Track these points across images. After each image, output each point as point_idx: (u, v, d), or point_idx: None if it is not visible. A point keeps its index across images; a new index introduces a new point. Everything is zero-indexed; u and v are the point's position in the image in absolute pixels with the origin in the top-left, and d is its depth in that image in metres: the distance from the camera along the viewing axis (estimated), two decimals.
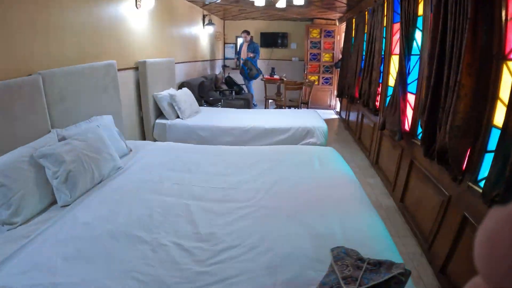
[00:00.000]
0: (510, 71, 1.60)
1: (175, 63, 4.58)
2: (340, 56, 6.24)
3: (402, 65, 2.80)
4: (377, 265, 1.24)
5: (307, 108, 5.88)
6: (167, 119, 3.84)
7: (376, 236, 1.70)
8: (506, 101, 1.53)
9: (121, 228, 1.67)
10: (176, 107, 3.88)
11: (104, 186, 2.12)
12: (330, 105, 7.62)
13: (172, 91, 4.03)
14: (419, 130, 2.66)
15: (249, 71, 6.48)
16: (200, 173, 2.39)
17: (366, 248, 1.39)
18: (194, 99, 4.38)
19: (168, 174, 2.35)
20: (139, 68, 3.63)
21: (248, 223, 1.77)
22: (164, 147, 2.96)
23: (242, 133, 3.71)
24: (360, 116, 4.65)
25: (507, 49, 1.60)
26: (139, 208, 1.88)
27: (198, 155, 2.78)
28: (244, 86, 6.74)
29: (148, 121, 3.82)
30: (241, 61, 6.81)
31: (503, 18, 1.59)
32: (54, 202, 1.94)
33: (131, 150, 2.81)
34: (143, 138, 3.88)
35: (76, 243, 1.54)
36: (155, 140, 3.61)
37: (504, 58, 1.61)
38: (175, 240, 1.60)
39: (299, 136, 3.75)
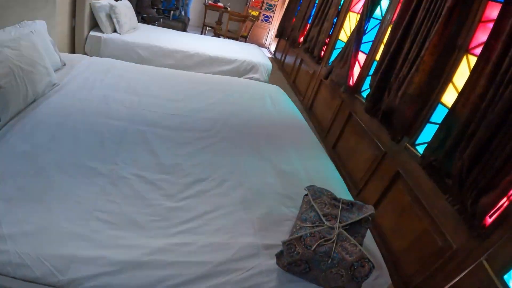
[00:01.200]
0: (469, 64, 1.72)
1: None
2: None
3: (362, 24, 2.73)
4: (350, 205, 1.30)
5: (245, 42, 5.63)
6: (102, 32, 3.15)
7: (332, 178, 1.77)
8: (458, 86, 1.72)
9: (69, 159, 1.35)
10: (115, 20, 3.19)
11: (38, 106, 1.65)
12: (265, 44, 7.45)
13: (112, 1, 3.27)
14: (364, 87, 2.80)
15: None
16: (149, 97, 2.07)
17: (329, 188, 1.40)
18: (134, 13, 3.64)
19: (113, 95, 1.96)
20: None
21: (213, 155, 1.64)
22: (104, 63, 2.44)
23: (185, 58, 3.33)
24: (298, 61, 4.53)
25: (472, 45, 1.71)
26: (87, 133, 1.54)
27: (143, 76, 2.39)
28: (181, 8, 6.06)
29: (80, 33, 3.07)
30: None
31: (478, 18, 1.68)
32: None
33: (64, 64, 2.23)
34: (73, 51, 3.12)
35: (16, 179, 1.19)
36: (85, 55, 3.00)
37: (466, 51, 1.73)
38: (137, 171, 1.38)
39: (243, 70, 3.55)
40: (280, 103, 2.59)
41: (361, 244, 1.16)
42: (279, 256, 1.13)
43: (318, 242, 1.10)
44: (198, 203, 1.31)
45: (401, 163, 1.97)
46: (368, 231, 1.42)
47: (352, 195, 2.52)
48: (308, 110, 3.91)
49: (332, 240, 1.12)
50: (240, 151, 1.76)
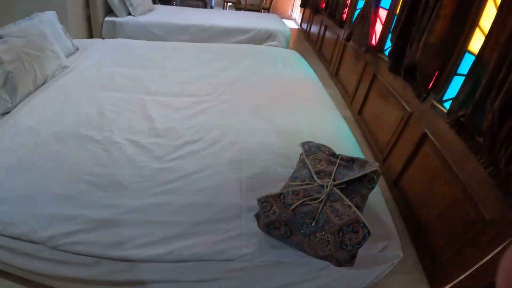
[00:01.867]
0: (495, 3, 1.39)
1: None
2: None
3: None
4: (350, 161, 1.11)
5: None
6: (117, 16, 3.18)
7: (342, 137, 1.58)
8: (486, 30, 1.39)
9: (68, 129, 1.37)
10: (128, 3, 3.20)
11: (48, 87, 1.70)
12: (291, 16, 6.99)
13: None
14: (387, 45, 2.46)
15: None
16: (155, 68, 2.04)
17: (334, 147, 1.24)
18: None
19: (120, 70, 1.95)
20: None
21: (209, 117, 1.56)
22: (115, 44, 2.45)
23: (199, 32, 3.25)
24: (323, 28, 4.25)
25: None
26: (88, 106, 1.55)
27: (153, 51, 2.36)
28: None
29: (96, 19, 3.13)
30: None
31: None
32: None
33: (77, 49, 2.28)
34: (91, 37, 3.18)
35: (19, 151, 1.23)
36: (100, 39, 3.05)
37: None
38: (129, 137, 1.36)
39: (260, 39, 3.39)
40: (293, 65, 2.39)
41: (360, 207, 0.97)
42: (257, 217, 1.00)
43: (301, 201, 0.93)
44: (186, 164, 1.23)
45: (428, 123, 1.70)
46: (380, 194, 1.24)
47: (378, 162, 2.33)
48: (334, 76, 3.69)
49: (320, 199, 0.94)
50: (240, 113, 1.64)
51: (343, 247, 0.88)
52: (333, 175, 1.03)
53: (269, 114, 1.65)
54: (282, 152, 1.36)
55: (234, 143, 1.38)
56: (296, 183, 1.03)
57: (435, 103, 1.70)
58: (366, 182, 1.04)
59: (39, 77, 1.70)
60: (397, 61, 2.06)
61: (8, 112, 1.51)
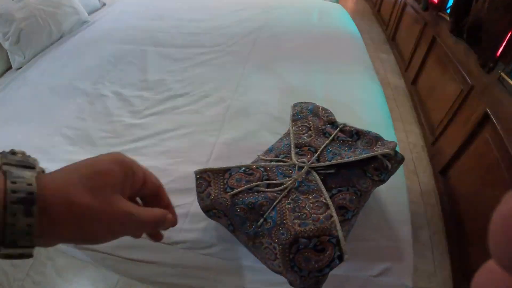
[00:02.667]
0: None
1: None
2: None
3: None
4: (355, 135, 0.79)
5: None
6: None
7: (368, 106, 1.19)
8: None
9: (65, 82, 1.33)
10: None
11: (64, 42, 1.70)
12: None
13: None
14: (450, 3, 1.93)
15: None
16: (172, 20, 1.89)
17: (351, 117, 0.93)
18: None
19: (136, 23, 1.86)
20: None
21: (207, 69, 1.37)
22: None
23: None
24: None
25: None
26: (91, 58, 1.50)
27: (177, 2, 2.19)
28: None
29: None
30: None
31: None
32: (11, 67, 1.59)
33: (104, 5, 2.23)
34: None
35: (18, 104, 1.25)
36: None
37: None
38: (118, 89, 1.27)
39: None
40: (331, 19, 1.99)
41: (348, 210, 0.63)
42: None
43: (249, 186, 0.64)
44: (161, 120, 1.09)
45: (492, 101, 1.26)
46: (404, 187, 0.88)
47: (426, 144, 1.87)
48: (391, 41, 3.20)
49: (283, 187, 0.65)
50: (243, 66, 1.40)
51: (295, 269, 0.56)
52: (318, 152, 0.73)
53: (279, 68, 1.38)
54: (279, 114, 1.10)
55: (223, 99, 1.18)
56: (266, 158, 0.76)
57: (504, 75, 1.25)
58: (371, 170, 0.69)
59: (54, 33, 1.70)
60: (459, 20, 1.60)
61: (21, 67, 1.55)
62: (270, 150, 0.80)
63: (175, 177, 0.88)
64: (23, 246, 0.23)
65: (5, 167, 0.24)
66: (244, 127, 1.06)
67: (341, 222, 0.60)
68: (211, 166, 0.72)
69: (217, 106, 1.15)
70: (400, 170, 0.85)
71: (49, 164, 0.94)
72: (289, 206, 0.61)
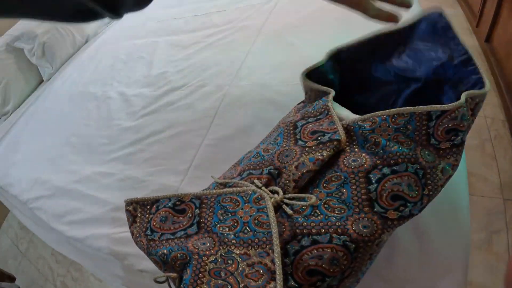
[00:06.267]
0: None
1: None
2: None
3: None
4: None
5: None
6: None
7: None
8: None
9: (81, 87, 1.33)
10: None
11: (88, 46, 1.70)
12: None
13: None
14: None
15: None
16: (190, 3, 1.70)
17: None
18: None
19: (154, 15, 1.73)
20: None
21: (212, 53, 1.19)
22: None
23: None
24: None
25: None
26: (106, 59, 1.46)
27: None
28: None
29: None
30: None
31: None
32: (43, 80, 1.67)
33: None
34: None
35: (42, 115, 1.30)
36: None
37: None
38: (123, 89, 1.19)
39: None
40: None
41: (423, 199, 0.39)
42: None
43: (173, 231, 0.43)
44: (153, 121, 0.98)
45: None
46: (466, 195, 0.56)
47: (508, 120, 1.38)
48: None
49: (217, 241, 0.40)
50: (253, 41, 1.16)
51: None
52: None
53: (295, 38, 1.09)
54: (282, 99, 0.86)
55: (220, 87, 1.00)
56: (223, 181, 0.49)
57: None
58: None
59: (78, 39, 1.72)
60: None
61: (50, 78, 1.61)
62: (240, 161, 0.55)
63: (151, 190, 0.77)
64: None
65: None
66: (237, 121, 0.87)
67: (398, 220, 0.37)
68: (189, 177, 0.66)
69: (212, 96, 0.98)
70: (462, 162, 0.49)
71: (54, 176, 0.94)
72: (213, 265, 0.38)
